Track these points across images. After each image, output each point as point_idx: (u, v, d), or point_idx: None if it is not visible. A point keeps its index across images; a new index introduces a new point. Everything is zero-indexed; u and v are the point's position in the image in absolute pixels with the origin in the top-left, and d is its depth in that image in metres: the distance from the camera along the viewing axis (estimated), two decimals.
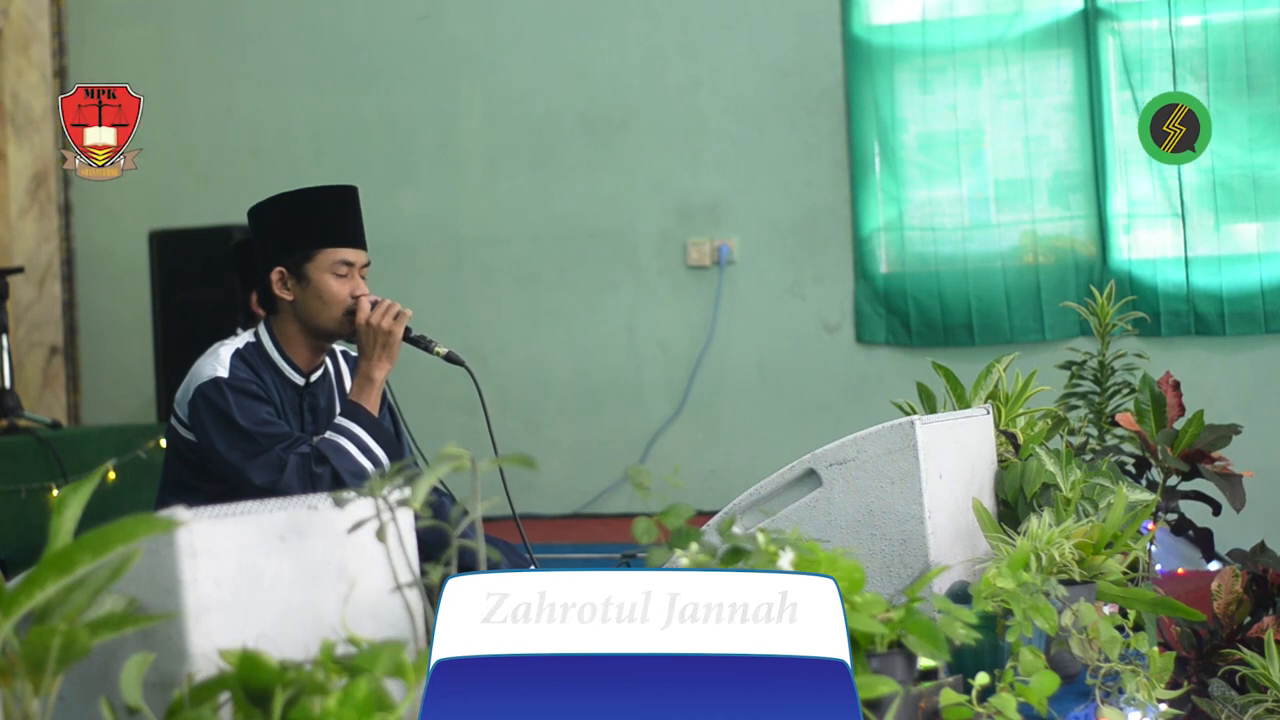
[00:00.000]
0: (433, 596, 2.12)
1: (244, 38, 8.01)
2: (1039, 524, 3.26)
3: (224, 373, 3.89)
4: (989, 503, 3.55)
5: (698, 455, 7.25)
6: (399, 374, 4.21)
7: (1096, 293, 4.82)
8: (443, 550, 2.10)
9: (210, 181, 7.98)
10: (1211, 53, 6.68)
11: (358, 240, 4.04)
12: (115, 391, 8.12)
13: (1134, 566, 3.47)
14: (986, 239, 7.02)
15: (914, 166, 7.10)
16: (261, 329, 4.04)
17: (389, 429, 4.05)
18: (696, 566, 2.21)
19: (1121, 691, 3.03)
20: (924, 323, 7.07)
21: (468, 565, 2.12)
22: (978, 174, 7.08)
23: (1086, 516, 3.43)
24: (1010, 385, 3.86)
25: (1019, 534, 3.29)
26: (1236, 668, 3.56)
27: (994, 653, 2.91)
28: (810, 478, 3.30)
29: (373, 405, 3.97)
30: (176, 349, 7.06)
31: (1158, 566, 4.36)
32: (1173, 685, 3.24)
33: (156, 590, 2.00)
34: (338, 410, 4.06)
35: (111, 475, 6.06)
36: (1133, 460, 4.31)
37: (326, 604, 2.14)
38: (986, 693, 2.76)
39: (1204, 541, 4.48)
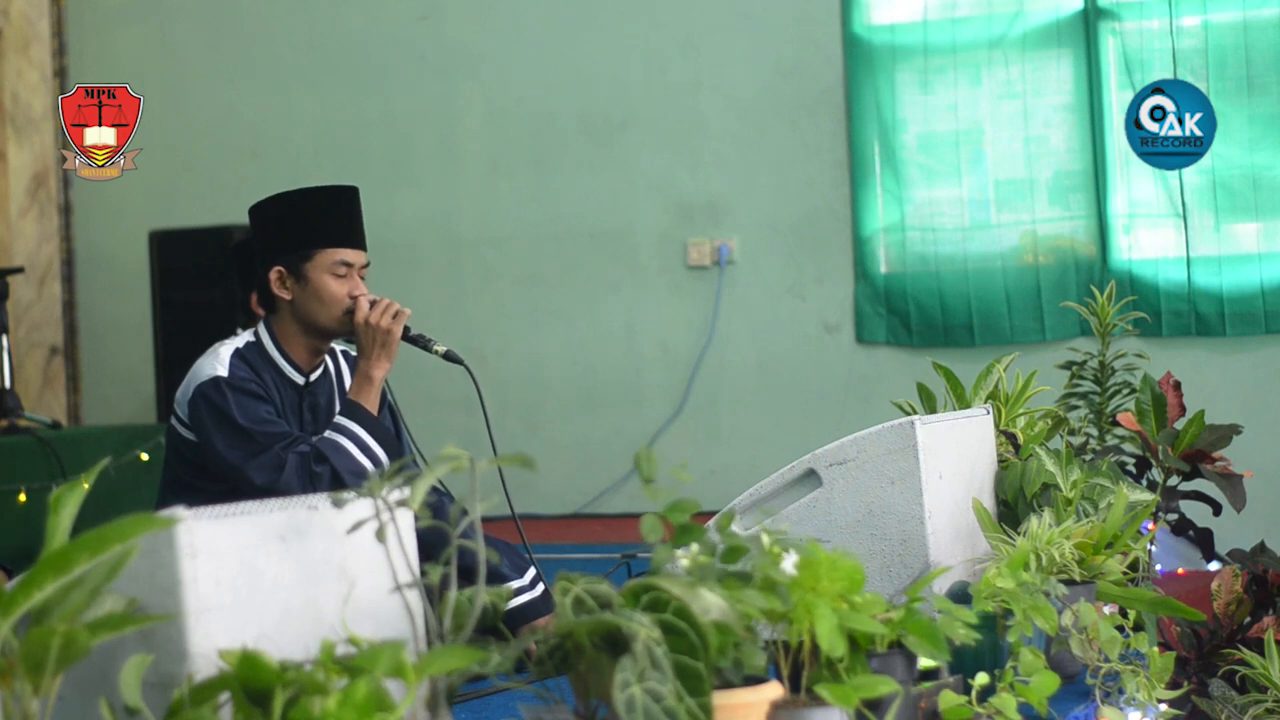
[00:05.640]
0: (433, 597, 2.12)
1: (244, 38, 8.01)
2: (1039, 524, 3.26)
3: (224, 372, 3.89)
4: (989, 503, 3.55)
5: (698, 455, 7.25)
6: (398, 374, 4.20)
7: (1097, 293, 4.82)
8: (442, 550, 2.10)
9: (210, 181, 7.98)
10: (1211, 53, 6.67)
11: (357, 241, 4.04)
12: (115, 391, 8.12)
13: (1134, 566, 3.47)
14: (986, 239, 7.01)
15: (914, 167, 7.10)
16: (261, 328, 4.04)
17: (389, 428, 4.05)
18: (696, 566, 2.21)
19: (1121, 691, 3.03)
20: (924, 323, 7.06)
21: (467, 566, 2.12)
22: (978, 174, 7.08)
23: (1086, 516, 3.43)
24: (1010, 385, 3.86)
25: (1019, 534, 3.30)
26: (1236, 668, 3.56)
27: (994, 653, 2.91)
28: (810, 478, 3.30)
29: (372, 404, 3.97)
30: (176, 349, 7.05)
31: (1158, 566, 4.37)
32: (1173, 685, 3.24)
33: (156, 590, 2.00)
34: (337, 410, 4.06)
35: (103, 464, 6.05)
36: (1133, 460, 4.31)
37: (326, 604, 2.14)
38: (986, 693, 2.76)
39: (1204, 541, 4.48)
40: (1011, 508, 3.57)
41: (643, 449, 2.18)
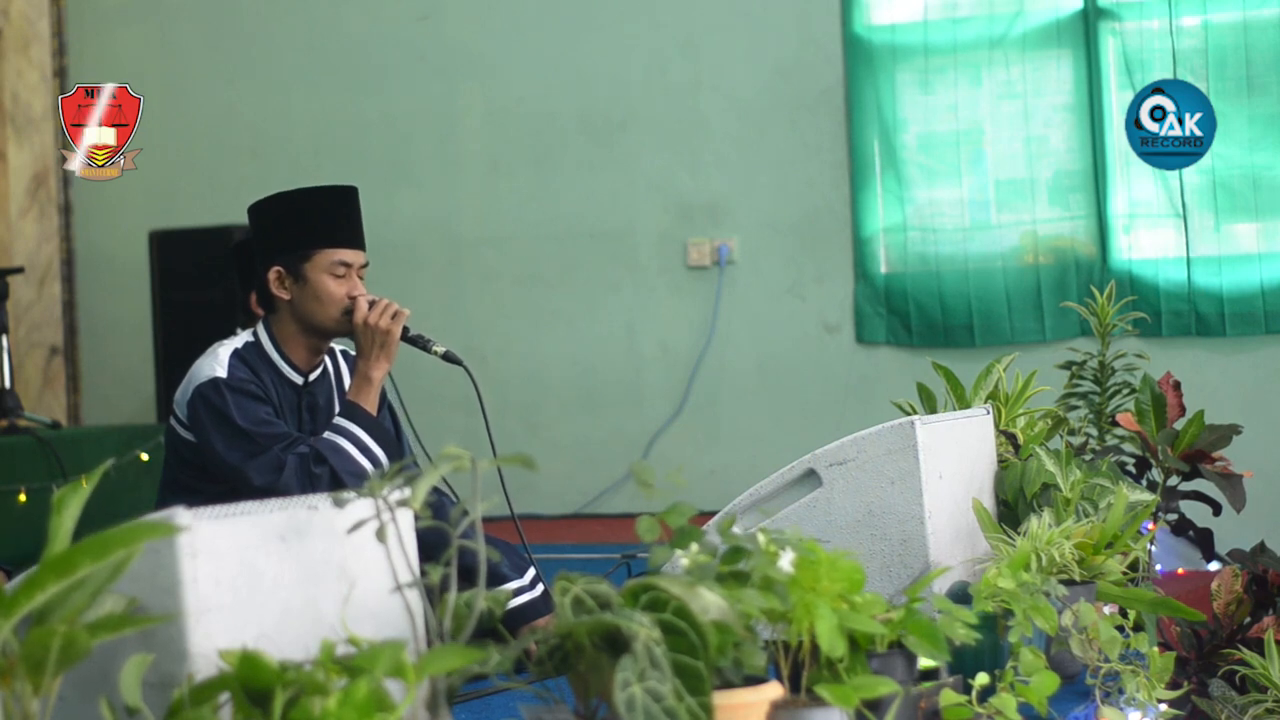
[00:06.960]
0: (433, 597, 2.12)
1: (244, 38, 8.01)
2: (1039, 524, 3.26)
3: (222, 373, 3.89)
4: (989, 503, 3.55)
5: (698, 455, 7.25)
6: (399, 374, 4.20)
7: (1097, 293, 4.82)
8: (443, 550, 2.10)
9: (210, 181, 7.98)
10: (1211, 53, 6.67)
11: (356, 241, 4.03)
12: (115, 391, 8.12)
13: (1134, 566, 3.47)
14: (987, 239, 7.01)
15: (914, 167, 7.10)
16: (260, 328, 4.03)
17: (388, 429, 4.04)
18: (695, 566, 2.21)
19: (1121, 691, 3.03)
20: (924, 323, 7.07)
21: (468, 566, 2.11)
22: (978, 174, 7.08)
23: (1086, 516, 3.43)
24: (1010, 385, 3.86)
25: (1019, 534, 3.30)
26: (1236, 668, 3.56)
27: (994, 653, 2.91)
28: (810, 478, 3.30)
29: (371, 405, 3.97)
30: (176, 349, 7.05)
31: (1158, 566, 4.37)
32: (1173, 685, 3.24)
33: (156, 590, 2.00)
34: (337, 410, 4.06)
35: (106, 466, 6.04)
36: (1133, 460, 4.31)
37: (326, 604, 2.14)
38: (986, 693, 2.76)
39: (1204, 541, 4.48)
40: (1011, 508, 3.57)
41: (638, 462, 2.18)
